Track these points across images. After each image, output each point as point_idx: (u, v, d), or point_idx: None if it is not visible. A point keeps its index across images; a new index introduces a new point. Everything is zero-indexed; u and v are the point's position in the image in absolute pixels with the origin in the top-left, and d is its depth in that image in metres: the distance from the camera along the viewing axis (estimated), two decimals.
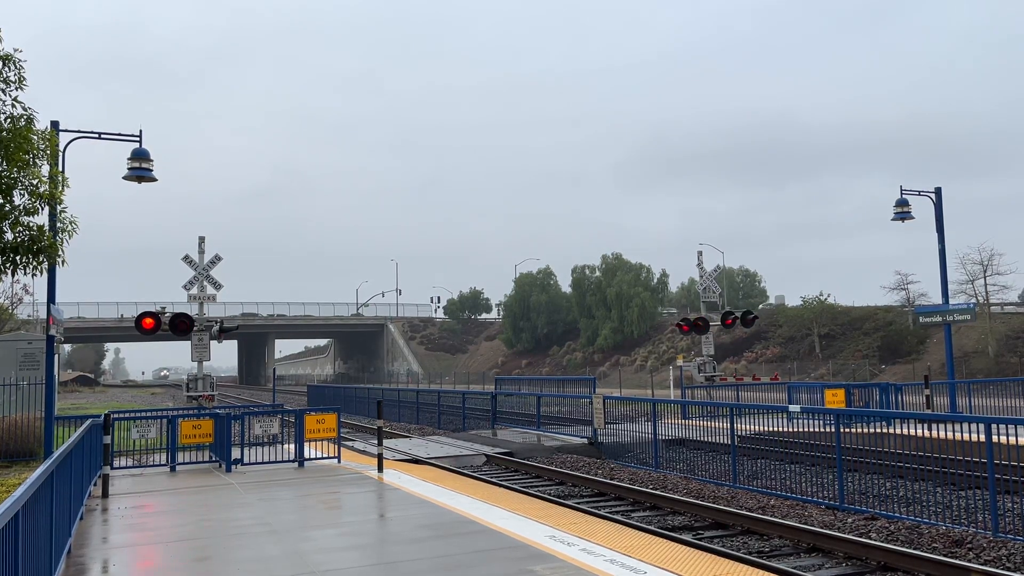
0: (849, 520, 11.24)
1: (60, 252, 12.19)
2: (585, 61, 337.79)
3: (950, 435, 12.55)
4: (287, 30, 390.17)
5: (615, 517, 11.66)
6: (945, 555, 9.16)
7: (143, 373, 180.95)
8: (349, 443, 22.19)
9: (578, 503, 13.14)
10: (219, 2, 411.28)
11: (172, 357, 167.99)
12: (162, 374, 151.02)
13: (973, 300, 45.96)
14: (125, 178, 17.97)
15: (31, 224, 11.49)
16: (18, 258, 11.39)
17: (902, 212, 25.23)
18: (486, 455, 19.15)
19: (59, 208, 12.41)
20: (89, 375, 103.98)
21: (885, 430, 16.99)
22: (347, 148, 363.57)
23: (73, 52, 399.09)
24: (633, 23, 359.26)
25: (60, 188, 12.35)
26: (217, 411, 16.99)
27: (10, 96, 10.84)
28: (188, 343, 20.43)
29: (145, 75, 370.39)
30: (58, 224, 12.39)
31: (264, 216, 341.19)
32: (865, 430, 17.52)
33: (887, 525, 10.80)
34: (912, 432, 15.16)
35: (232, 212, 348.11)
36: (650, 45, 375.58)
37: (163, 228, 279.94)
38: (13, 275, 11.84)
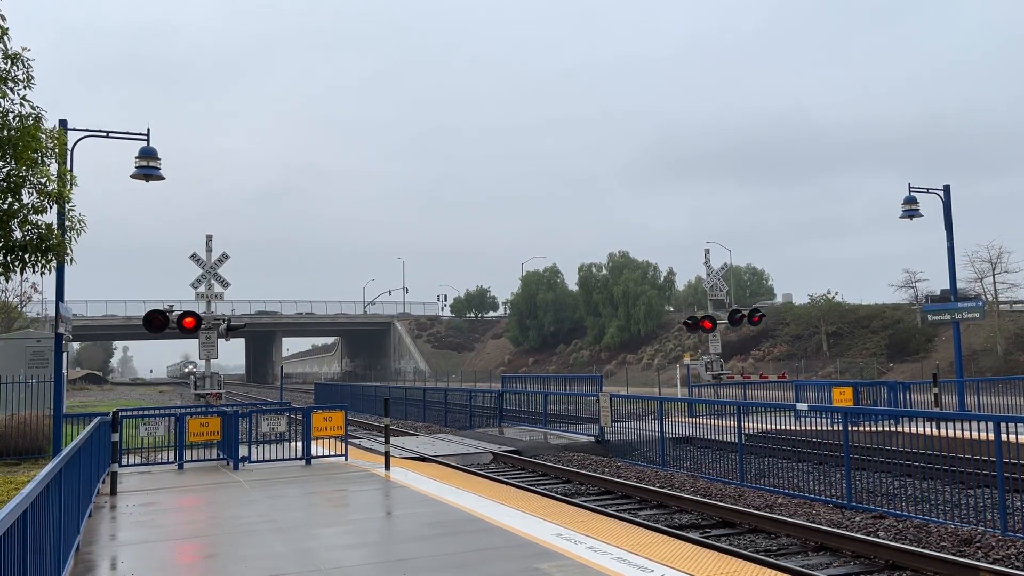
0: (857, 519, 11.21)
1: (68, 250, 12.23)
2: (595, 62, 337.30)
3: (959, 433, 12.49)
4: (300, 34, 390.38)
5: (622, 515, 11.65)
6: (954, 554, 9.13)
7: (151, 371, 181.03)
8: (356, 441, 22.23)
9: (585, 501, 13.13)
10: (235, 7, 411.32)
11: (178, 356, 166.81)
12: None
13: (982, 298, 45.76)
14: (133, 176, 18.04)
15: (39, 222, 11.52)
16: (27, 256, 11.42)
17: (910, 210, 25.15)
18: (493, 453, 19.16)
19: (67, 206, 12.46)
20: (97, 373, 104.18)
21: (893, 428, 16.92)
22: (357, 149, 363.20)
23: (98, 54, 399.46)
24: (642, 23, 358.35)
25: (68, 187, 12.39)
26: (224, 409, 17.04)
27: (18, 95, 10.86)
28: (196, 341, 20.51)
29: (167, 78, 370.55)
30: (66, 223, 12.43)
31: (273, 215, 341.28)
32: (873, 428, 17.46)
33: (895, 524, 10.77)
34: (920, 430, 15.08)
35: (243, 212, 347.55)
36: (659, 44, 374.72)
37: (174, 227, 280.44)
38: (22, 273, 11.88)
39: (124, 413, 15.82)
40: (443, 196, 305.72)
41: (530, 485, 14.88)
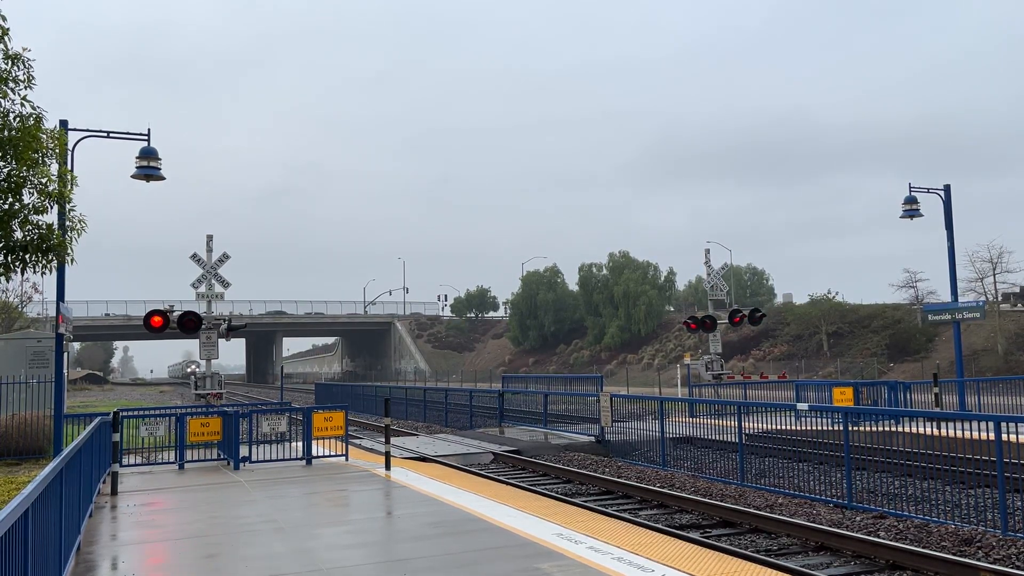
0: (858, 519, 11.22)
1: (69, 250, 12.24)
2: (595, 62, 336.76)
3: (959, 433, 12.50)
4: (300, 34, 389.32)
5: (622, 515, 11.65)
6: (954, 554, 9.13)
7: (151, 371, 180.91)
8: (357, 441, 22.24)
9: (585, 501, 13.14)
10: (235, 7, 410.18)
11: (179, 355, 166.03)
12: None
13: (982, 298, 45.77)
14: (133, 176, 18.05)
15: (40, 223, 11.54)
16: (27, 256, 11.44)
17: (911, 210, 25.18)
18: (493, 453, 19.16)
19: (68, 207, 12.47)
20: (98, 373, 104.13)
21: (894, 428, 16.92)
22: (357, 148, 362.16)
23: (98, 54, 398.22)
24: (642, 23, 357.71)
25: (69, 187, 12.40)
26: (225, 409, 17.04)
27: (19, 95, 10.87)
28: (196, 341, 20.53)
29: (167, 78, 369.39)
30: (67, 223, 12.45)
31: (274, 216, 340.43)
32: (873, 428, 17.46)
33: (896, 524, 10.77)
34: (921, 430, 15.08)
35: (243, 212, 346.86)
36: (659, 44, 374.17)
37: (175, 227, 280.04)
38: (23, 273, 11.90)
39: (125, 413, 15.83)
40: (443, 196, 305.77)
41: (531, 485, 14.88)
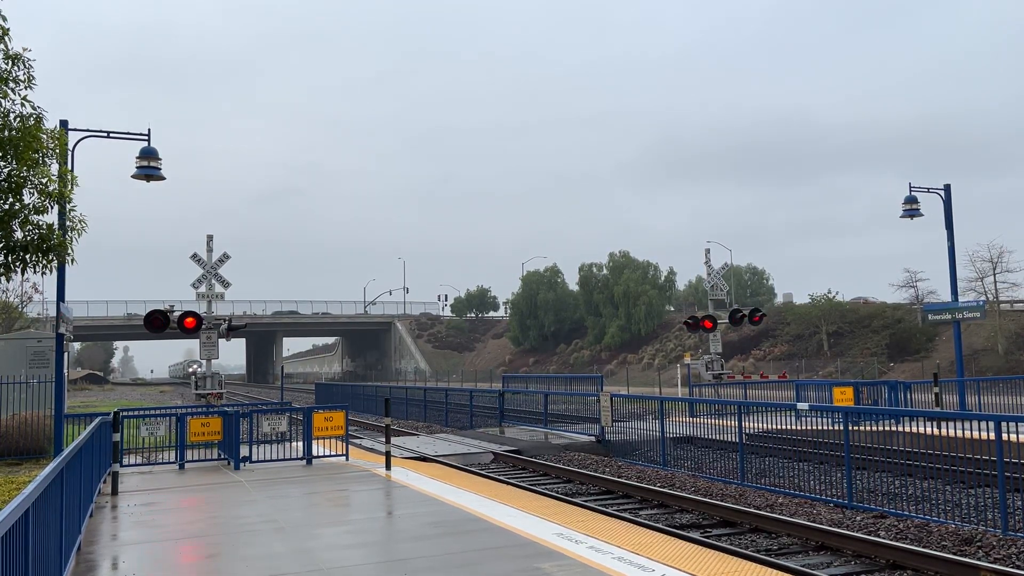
0: (858, 518, 11.22)
1: (69, 250, 12.25)
2: (595, 62, 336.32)
3: (959, 433, 12.49)
4: (301, 34, 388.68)
5: (623, 515, 11.66)
6: (955, 553, 9.13)
7: (152, 371, 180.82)
8: (357, 441, 22.24)
9: (586, 501, 13.14)
10: (236, 7, 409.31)
11: (180, 355, 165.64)
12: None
13: (983, 297, 45.76)
14: (133, 176, 18.05)
15: (40, 223, 11.55)
16: (28, 256, 11.45)
17: (911, 209, 25.19)
18: (494, 453, 19.17)
19: (68, 207, 12.48)
20: (98, 373, 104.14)
21: (894, 428, 16.93)
22: (358, 148, 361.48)
23: (99, 54, 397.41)
24: (643, 23, 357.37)
25: (69, 187, 12.41)
26: (225, 409, 17.04)
27: (19, 95, 10.87)
28: (197, 341, 20.53)
29: (167, 78, 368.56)
30: (67, 223, 12.46)
31: (275, 215, 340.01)
32: (874, 428, 17.47)
33: (896, 523, 10.77)
34: (921, 430, 15.10)
35: (243, 212, 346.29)
36: (661, 44, 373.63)
37: (175, 227, 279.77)
38: (23, 273, 11.91)
39: (125, 413, 15.84)
40: (444, 195, 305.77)
41: (531, 485, 14.88)
